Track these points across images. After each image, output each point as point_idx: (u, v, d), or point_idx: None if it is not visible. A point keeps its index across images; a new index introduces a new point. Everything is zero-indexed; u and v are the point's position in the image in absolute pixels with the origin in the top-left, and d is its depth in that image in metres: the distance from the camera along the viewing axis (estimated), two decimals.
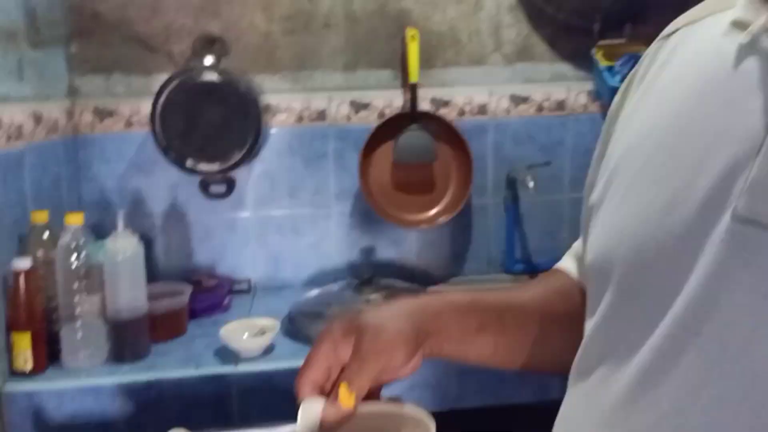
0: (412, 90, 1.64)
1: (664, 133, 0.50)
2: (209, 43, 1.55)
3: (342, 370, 0.58)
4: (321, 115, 1.68)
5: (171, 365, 1.28)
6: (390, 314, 0.62)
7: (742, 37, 0.45)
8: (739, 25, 0.46)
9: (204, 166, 1.52)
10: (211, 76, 1.48)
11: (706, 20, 0.53)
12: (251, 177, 1.68)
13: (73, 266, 1.24)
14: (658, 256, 0.47)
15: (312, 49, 1.65)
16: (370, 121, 1.69)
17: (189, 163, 1.51)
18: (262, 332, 1.33)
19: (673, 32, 0.56)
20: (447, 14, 1.66)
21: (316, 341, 0.60)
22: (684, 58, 0.52)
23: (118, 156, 1.63)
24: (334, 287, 1.58)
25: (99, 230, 1.39)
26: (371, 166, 1.70)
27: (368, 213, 1.70)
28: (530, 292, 0.71)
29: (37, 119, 1.42)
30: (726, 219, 0.43)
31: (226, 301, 1.60)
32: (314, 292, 1.55)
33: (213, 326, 1.38)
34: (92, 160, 1.62)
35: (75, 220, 1.25)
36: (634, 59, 1.54)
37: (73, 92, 1.60)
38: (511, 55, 1.70)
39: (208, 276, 1.66)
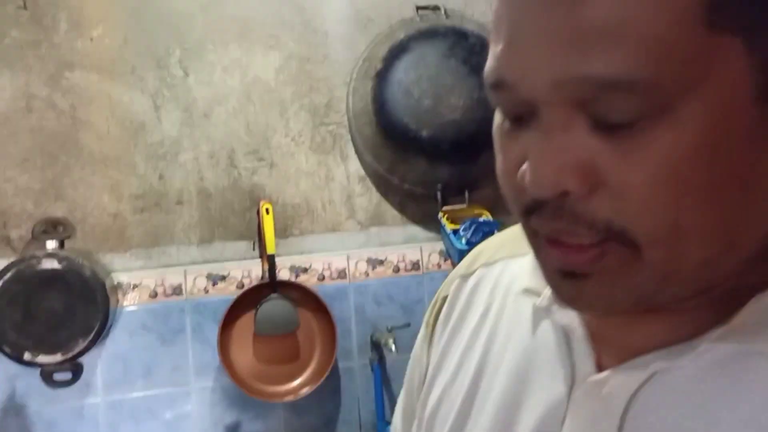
0: (270, 260, 1.63)
1: (469, 394, 0.51)
2: (51, 226, 1.47)
3: None
4: (177, 290, 1.62)
5: None
6: None
7: (537, 302, 0.48)
8: (530, 292, 0.49)
9: (44, 358, 1.41)
10: (52, 263, 1.39)
11: (499, 264, 0.56)
12: (100, 360, 1.55)
13: None
14: None
15: (165, 225, 1.61)
16: (228, 292, 1.64)
17: (26, 356, 1.40)
18: None
19: (472, 273, 0.58)
20: (300, 187, 1.70)
21: None
22: (483, 308, 0.55)
23: None
24: None
25: None
26: (232, 339, 1.63)
27: (231, 387, 1.61)
28: None
29: None
30: None
31: None
32: None
33: None
34: None
35: None
36: (476, 223, 1.63)
37: None
38: (364, 221, 1.75)
39: None
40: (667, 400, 0.40)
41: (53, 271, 1.40)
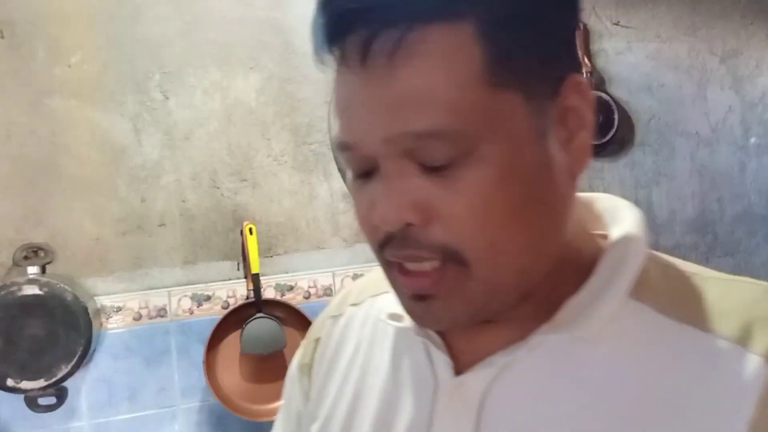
0: (254, 279, 1.60)
1: (348, 418, 0.57)
2: (32, 252, 1.44)
3: None
4: (161, 312, 1.59)
5: None
6: None
7: (401, 324, 0.55)
8: (394, 317, 0.56)
9: (26, 384, 1.38)
10: (33, 289, 1.37)
11: (367, 303, 0.63)
12: (85, 384, 1.52)
13: None
14: None
15: (147, 248, 1.58)
16: (213, 313, 1.61)
17: (9, 382, 1.38)
18: None
19: (340, 314, 0.65)
20: (283, 206, 1.67)
21: None
22: (356, 341, 0.61)
23: None
24: None
25: None
26: (218, 359, 1.61)
27: (218, 407, 1.58)
28: None
29: None
30: None
31: None
32: None
33: None
34: None
35: None
36: None
37: None
38: (349, 238, 1.72)
39: None
40: (513, 389, 0.48)
41: (34, 296, 1.38)
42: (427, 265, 0.45)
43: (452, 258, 0.45)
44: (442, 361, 0.52)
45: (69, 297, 1.40)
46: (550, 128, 0.45)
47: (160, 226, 1.59)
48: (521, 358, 0.48)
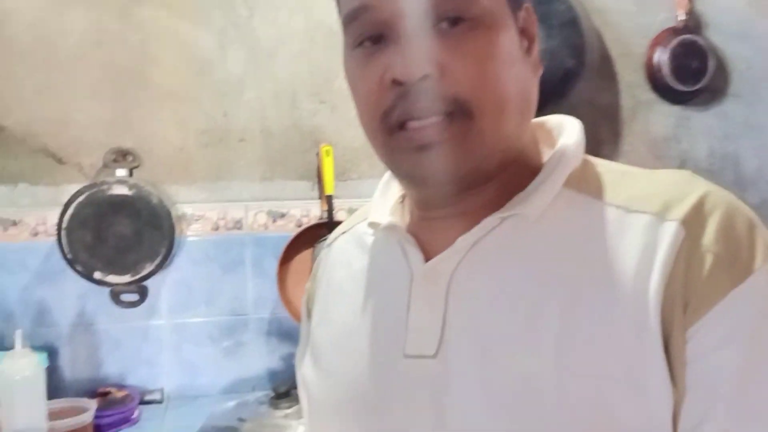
0: (328, 201, 1.57)
1: (347, 318, 0.63)
2: (121, 155, 1.44)
3: None
4: (238, 224, 1.58)
5: None
6: None
7: (379, 227, 0.61)
8: (372, 225, 0.62)
9: (113, 278, 1.41)
10: (122, 190, 1.38)
11: (354, 228, 0.69)
12: (165, 285, 1.55)
13: None
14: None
15: (228, 161, 1.57)
16: (287, 229, 1.60)
17: (97, 275, 1.41)
18: None
19: (334, 240, 0.71)
20: (360, 131, 1.59)
21: None
22: (346, 260, 0.67)
23: (22, 266, 1.48)
24: (251, 398, 1.47)
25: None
26: (289, 274, 1.60)
27: (287, 320, 1.58)
28: None
29: None
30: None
31: (135, 414, 1.44)
32: (229, 405, 1.45)
33: None
34: None
35: None
36: None
37: None
38: None
39: (117, 387, 1.49)
40: (475, 267, 0.54)
41: (123, 196, 1.39)
42: (433, 119, 0.50)
43: (460, 109, 0.50)
44: (415, 254, 0.58)
45: (155, 200, 1.40)
46: (518, 33, 0.55)
47: (241, 141, 1.57)
48: (480, 242, 0.54)
